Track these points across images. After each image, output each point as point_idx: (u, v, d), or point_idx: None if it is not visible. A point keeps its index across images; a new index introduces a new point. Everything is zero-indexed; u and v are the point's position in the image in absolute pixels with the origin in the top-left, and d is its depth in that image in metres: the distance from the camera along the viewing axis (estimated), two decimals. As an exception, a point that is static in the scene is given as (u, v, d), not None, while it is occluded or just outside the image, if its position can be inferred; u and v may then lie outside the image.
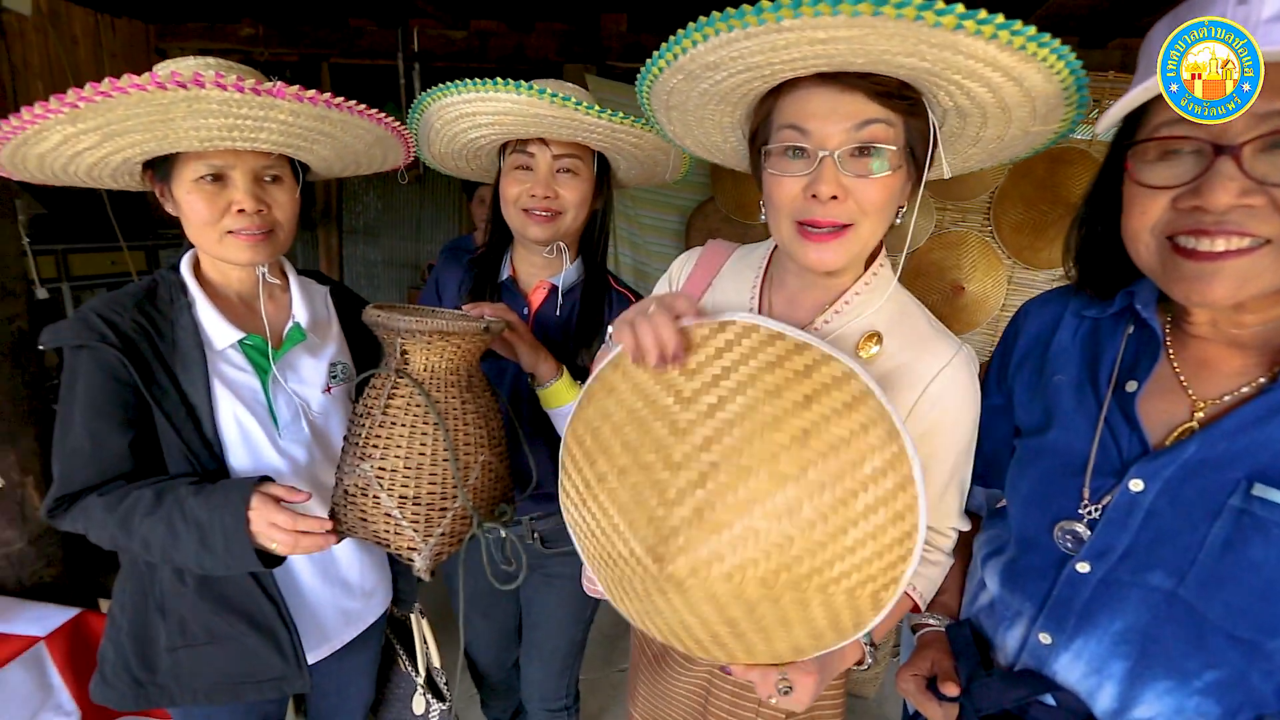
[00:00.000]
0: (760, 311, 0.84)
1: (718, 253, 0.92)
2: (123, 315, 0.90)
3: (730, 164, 0.89)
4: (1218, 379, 0.65)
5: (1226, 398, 0.63)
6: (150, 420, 0.90)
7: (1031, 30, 0.56)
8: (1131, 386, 0.68)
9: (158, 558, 0.88)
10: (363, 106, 0.89)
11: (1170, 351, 0.68)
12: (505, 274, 1.20)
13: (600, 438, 0.72)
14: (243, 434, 0.95)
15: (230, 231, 0.91)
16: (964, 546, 0.90)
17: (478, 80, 0.97)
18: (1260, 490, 0.59)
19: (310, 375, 1.03)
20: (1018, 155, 0.77)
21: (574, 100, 0.96)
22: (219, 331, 0.95)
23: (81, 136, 0.81)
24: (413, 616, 1.28)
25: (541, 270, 1.17)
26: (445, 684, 1.31)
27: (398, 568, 1.21)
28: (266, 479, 0.86)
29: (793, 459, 0.61)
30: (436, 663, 1.31)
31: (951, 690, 0.75)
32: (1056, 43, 0.57)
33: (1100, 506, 0.67)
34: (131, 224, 2.64)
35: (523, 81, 0.96)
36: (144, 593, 0.96)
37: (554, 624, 1.30)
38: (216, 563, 0.85)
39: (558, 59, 3.30)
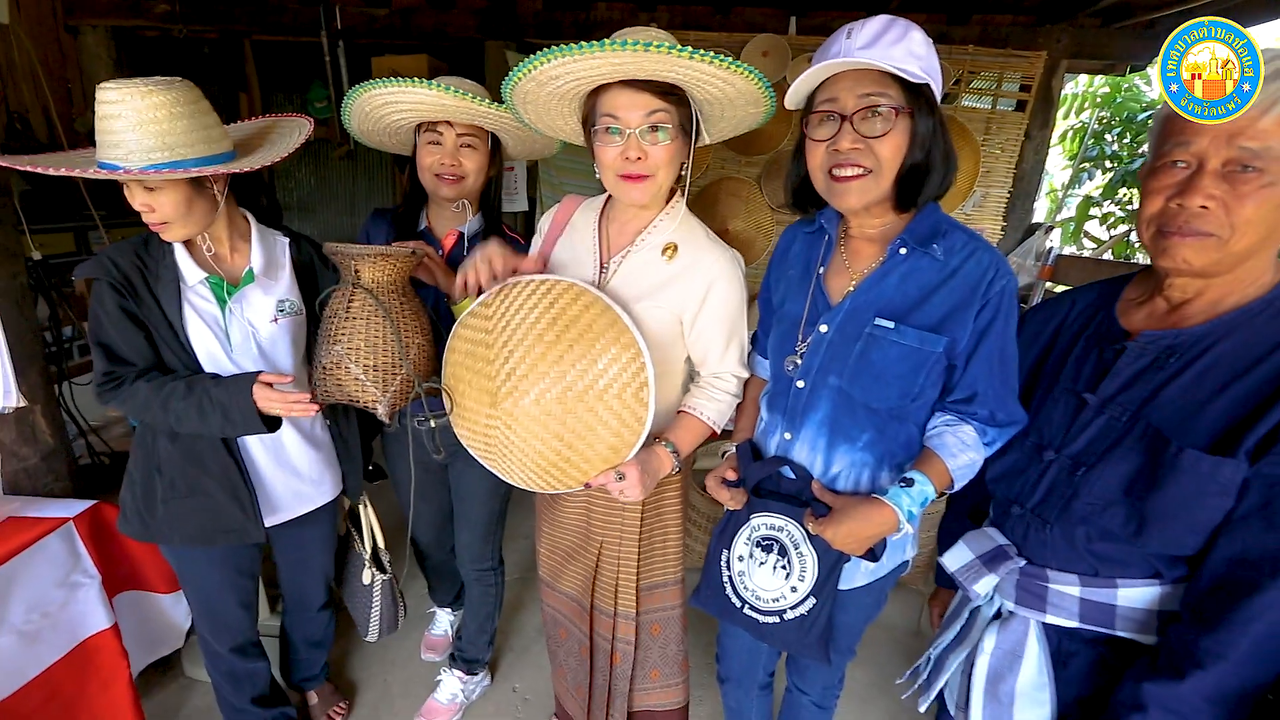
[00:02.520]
0: (600, 236, 1.25)
1: (571, 203, 1.33)
2: (124, 257, 1.22)
3: (572, 140, 1.27)
4: (862, 260, 1.06)
5: (864, 270, 1.05)
6: (149, 329, 1.22)
7: (732, 57, 0.98)
8: (821, 270, 1.09)
9: (186, 428, 1.23)
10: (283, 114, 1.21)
11: (841, 247, 1.09)
12: (422, 225, 1.53)
13: (453, 364, 1.24)
14: (206, 348, 1.26)
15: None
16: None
17: (401, 79, 1.27)
18: (878, 320, 1.01)
19: (260, 308, 1.31)
20: (751, 126, 1.20)
21: (471, 95, 1.29)
22: (189, 271, 1.25)
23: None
24: (361, 506, 1.61)
25: (451, 221, 1.51)
26: (389, 561, 1.65)
27: (345, 466, 1.53)
28: (260, 372, 1.21)
29: (553, 334, 1.10)
30: (381, 543, 1.63)
31: (730, 476, 1.16)
32: (744, 64, 0.98)
33: (806, 344, 1.08)
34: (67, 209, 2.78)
35: (434, 81, 1.27)
36: (148, 458, 1.29)
37: (477, 498, 1.63)
38: (236, 429, 1.22)
39: (478, 36, 3.39)
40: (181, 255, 1.25)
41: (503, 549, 1.81)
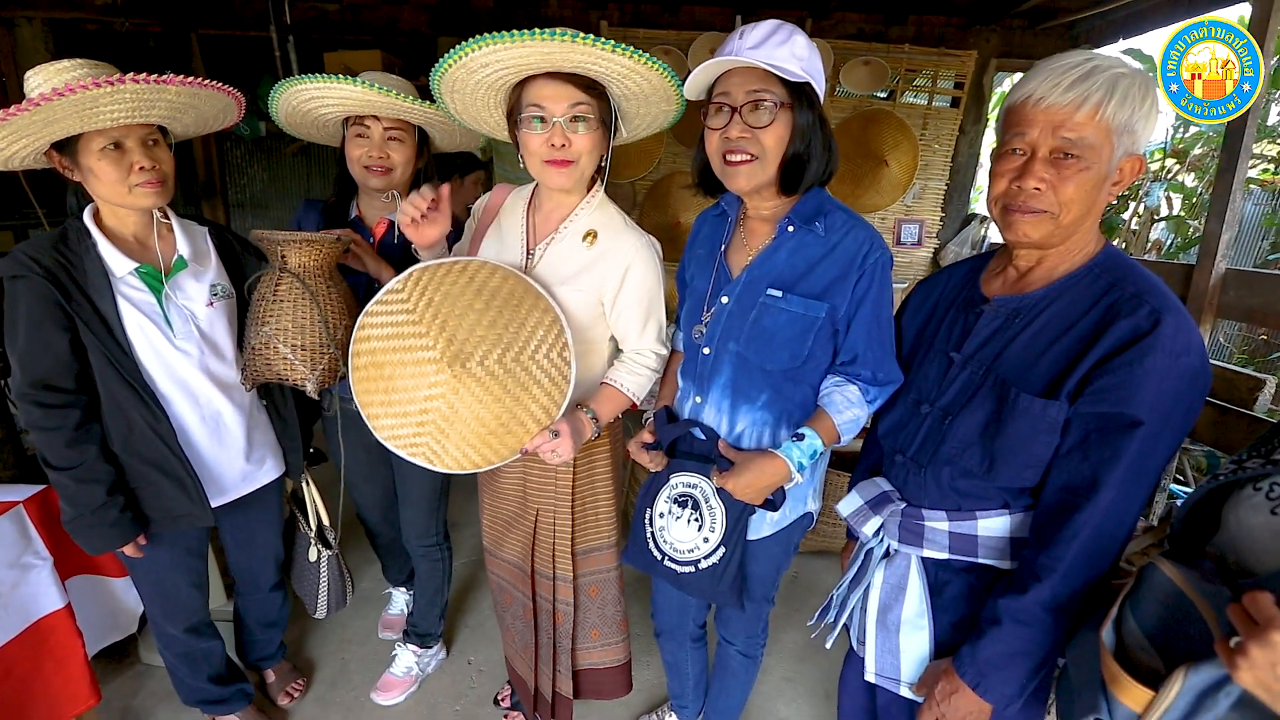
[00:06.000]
0: (526, 223, 1.33)
1: (501, 192, 1.41)
2: (43, 253, 1.20)
3: (494, 134, 1.35)
4: (757, 239, 1.18)
5: (760, 247, 1.17)
6: (76, 328, 1.22)
7: (646, 55, 1.07)
8: (724, 248, 1.21)
9: (61, 490, 1.28)
10: (220, 84, 1.23)
11: (740, 227, 1.21)
12: (353, 214, 1.59)
13: (370, 352, 1.22)
14: (146, 338, 1.28)
15: (137, 184, 1.22)
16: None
17: (327, 75, 1.33)
18: (769, 290, 1.13)
19: (195, 293, 1.35)
20: (663, 125, 1.30)
21: (395, 92, 1.35)
22: (117, 263, 1.25)
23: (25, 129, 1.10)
24: (304, 484, 1.65)
25: (380, 211, 1.57)
26: (333, 538, 1.69)
27: (285, 444, 1.58)
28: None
29: (481, 302, 1.19)
30: (325, 520, 1.68)
31: (648, 439, 1.27)
32: (659, 61, 1.07)
33: (710, 314, 1.20)
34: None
35: (358, 78, 1.33)
36: None
37: (419, 475, 1.68)
38: (84, 531, 1.29)
39: (430, 32, 3.44)
40: (106, 248, 1.25)
41: (459, 531, 1.88)
